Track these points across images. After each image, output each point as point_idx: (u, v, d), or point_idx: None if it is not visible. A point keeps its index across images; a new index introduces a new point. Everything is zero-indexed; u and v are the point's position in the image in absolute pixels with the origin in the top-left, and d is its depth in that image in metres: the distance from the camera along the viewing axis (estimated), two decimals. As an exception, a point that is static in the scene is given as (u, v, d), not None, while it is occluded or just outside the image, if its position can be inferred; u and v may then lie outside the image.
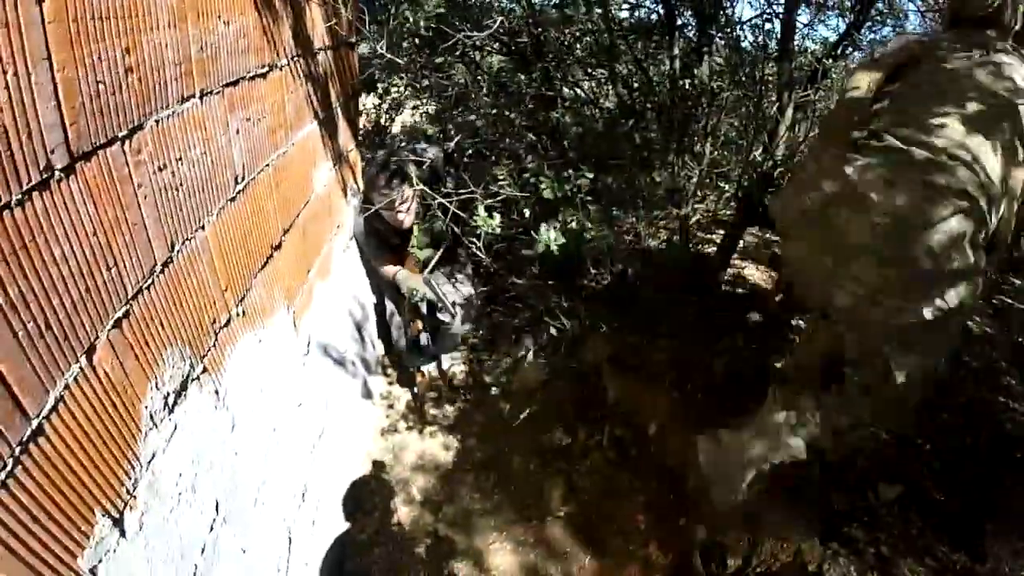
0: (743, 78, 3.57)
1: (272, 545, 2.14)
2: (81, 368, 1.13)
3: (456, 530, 3.16)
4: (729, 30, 3.85)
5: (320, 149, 2.71)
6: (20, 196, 0.97)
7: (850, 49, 4.97)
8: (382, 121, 5.04)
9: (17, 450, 0.98)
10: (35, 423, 1.02)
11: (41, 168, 1.01)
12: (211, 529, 1.65)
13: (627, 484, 3.13)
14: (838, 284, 1.99)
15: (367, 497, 3.31)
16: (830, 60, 3.88)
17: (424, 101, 4.26)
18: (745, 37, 4.20)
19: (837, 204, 1.96)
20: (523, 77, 3.83)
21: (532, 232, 2.67)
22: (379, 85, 4.58)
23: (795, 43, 3.68)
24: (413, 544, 3.10)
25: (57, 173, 1.05)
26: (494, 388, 3.97)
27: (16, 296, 0.96)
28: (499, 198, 2.87)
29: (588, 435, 3.46)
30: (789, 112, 3.34)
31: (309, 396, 2.55)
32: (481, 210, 2.68)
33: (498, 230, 2.71)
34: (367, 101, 4.77)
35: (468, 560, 3.01)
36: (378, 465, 3.52)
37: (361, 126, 3.74)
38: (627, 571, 2.83)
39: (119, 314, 1.24)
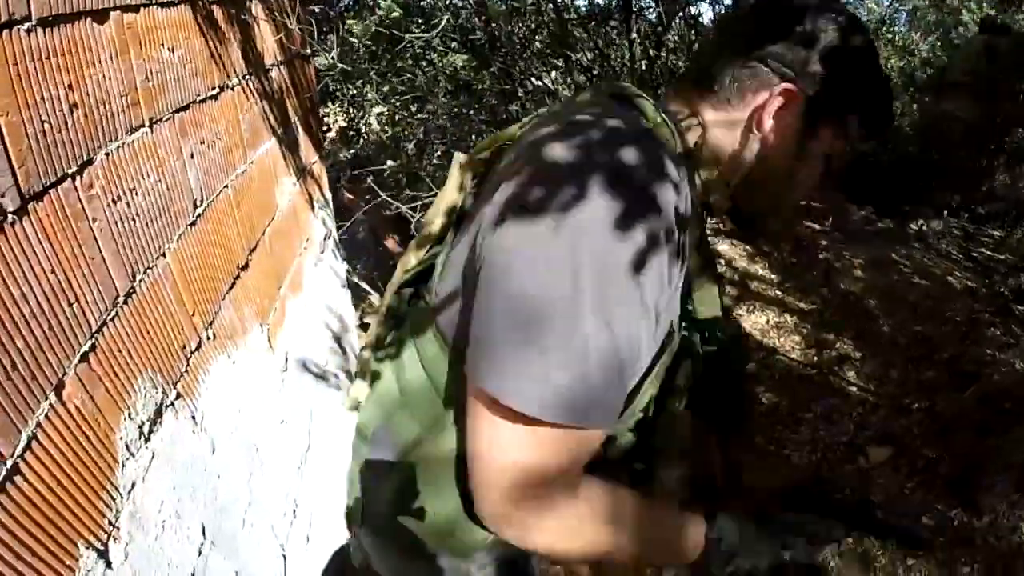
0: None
1: (266, 565, 2.14)
2: (51, 405, 1.13)
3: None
4: (688, 7, 3.87)
5: (281, 165, 2.71)
6: (-27, 242, 0.97)
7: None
8: (346, 130, 5.03)
9: (-7, 493, 0.98)
10: (9, 463, 1.02)
11: (-8, 212, 1.01)
12: (200, 554, 1.66)
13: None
14: None
15: (362, 507, 3.31)
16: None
17: (386, 108, 4.28)
18: (701, 14, 4.25)
19: None
20: (484, 74, 3.84)
21: None
22: (339, 95, 4.57)
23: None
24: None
25: (9, 216, 1.05)
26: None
27: (-24, 340, 0.97)
28: None
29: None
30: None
31: (292, 412, 2.55)
32: None
33: None
34: (330, 112, 4.77)
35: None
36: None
37: (326, 138, 3.74)
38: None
39: (85, 348, 1.24)
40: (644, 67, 3.64)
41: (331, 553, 2.88)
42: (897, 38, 5.12)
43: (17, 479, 1.04)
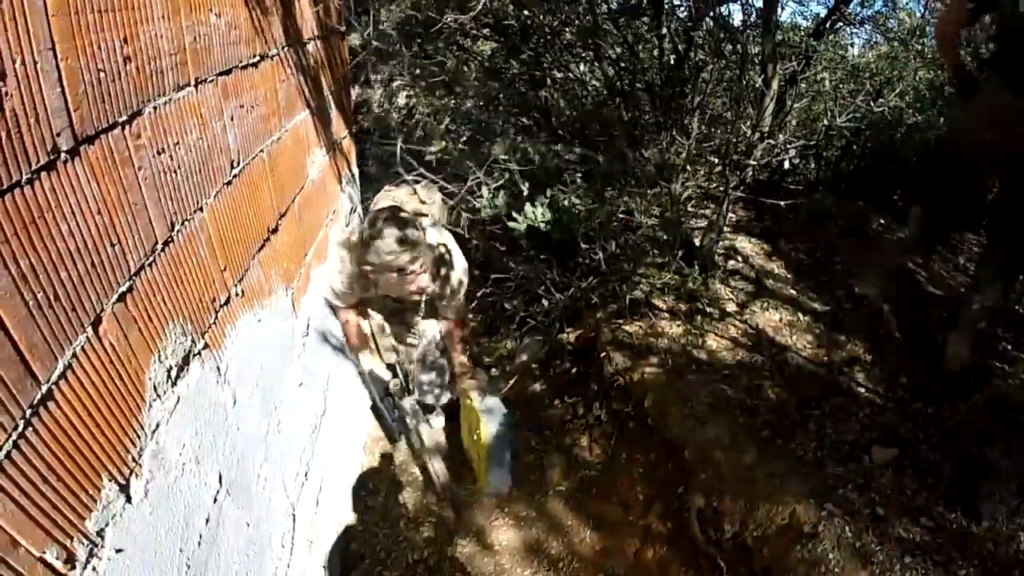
0: (727, 52, 3.61)
1: (276, 521, 2.20)
2: (88, 338, 1.19)
3: (459, 509, 3.21)
4: (718, 6, 3.89)
5: (313, 136, 2.77)
6: (29, 176, 1.03)
7: (840, 24, 5.01)
8: (377, 112, 5.05)
9: (28, 412, 1.04)
10: (44, 388, 1.08)
11: (48, 150, 1.08)
12: (215, 500, 1.72)
13: (625, 457, 3.19)
14: None
15: (370, 480, 3.37)
16: (813, 39, 3.93)
17: (416, 90, 4.31)
18: (731, 15, 4.25)
19: None
20: (513, 62, 3.87)
21: (517, 211, 2.68)
22: (373, 76, 4.61)
23: (778, 15, 3.71)
24: (417, 524, 3.15)
25: (63, 155, 1.12)
26: (494, 369, 4.03)
27: (27, 268, 1.03)
28: (501, 178, 2.89)
29: (586, 410, 3.51)
30: (775, 85, 3.38)
31: (310, 377, 2.61)
32: (485, 192, 2.71)
33: (503, 210, 2.72)
34: (362, 93, 4.80)
35: (471, 538, 3.07)
36: (380, 450, 3.57)
37: (358, 119, 3.78)
38: (627, 542, 2.88)
39: (123, 288, 1.31)
40: (673, 63, 3.67)
41: (337, 521, 2.93)
42: (927, 50, 5.07)
43: (51, 404, 1.10)
